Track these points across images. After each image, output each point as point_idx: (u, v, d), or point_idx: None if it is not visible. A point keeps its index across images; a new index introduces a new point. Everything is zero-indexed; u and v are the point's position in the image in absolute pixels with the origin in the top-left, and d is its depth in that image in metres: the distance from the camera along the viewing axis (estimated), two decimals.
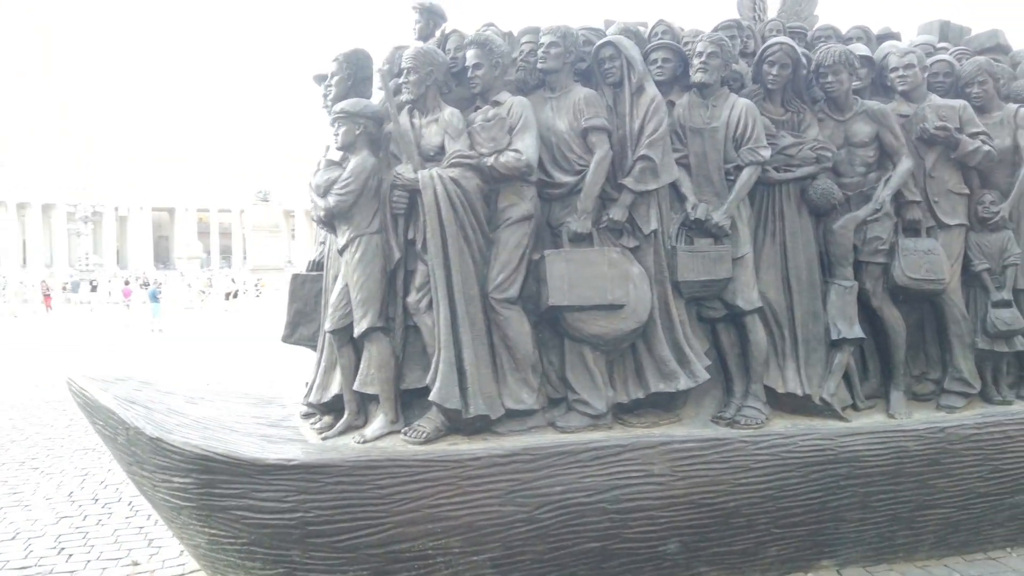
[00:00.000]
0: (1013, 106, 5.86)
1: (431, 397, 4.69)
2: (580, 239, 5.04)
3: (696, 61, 5.36)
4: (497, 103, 5.07)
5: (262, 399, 6.25)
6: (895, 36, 6.46)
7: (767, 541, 5.08)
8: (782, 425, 5.18)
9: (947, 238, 5.67)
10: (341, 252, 5.02)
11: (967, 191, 5.77)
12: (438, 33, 5.65)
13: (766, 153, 5.25)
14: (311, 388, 5.33)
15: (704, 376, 5.10)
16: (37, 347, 21.34)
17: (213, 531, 4.62)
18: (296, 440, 4.98)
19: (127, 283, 37.61)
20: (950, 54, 6.21)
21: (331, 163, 5.12)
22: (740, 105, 5.33)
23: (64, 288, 46.98)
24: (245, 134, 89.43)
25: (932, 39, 6.56)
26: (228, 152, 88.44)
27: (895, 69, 5.78)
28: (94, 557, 5.83)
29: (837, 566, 5.29)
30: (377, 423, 4.88)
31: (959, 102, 5.75)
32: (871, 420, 5.37)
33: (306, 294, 5.57)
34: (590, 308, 4.92)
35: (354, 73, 5.33)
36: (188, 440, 4.48)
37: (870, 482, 5.13)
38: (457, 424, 4.76)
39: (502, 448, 4.63)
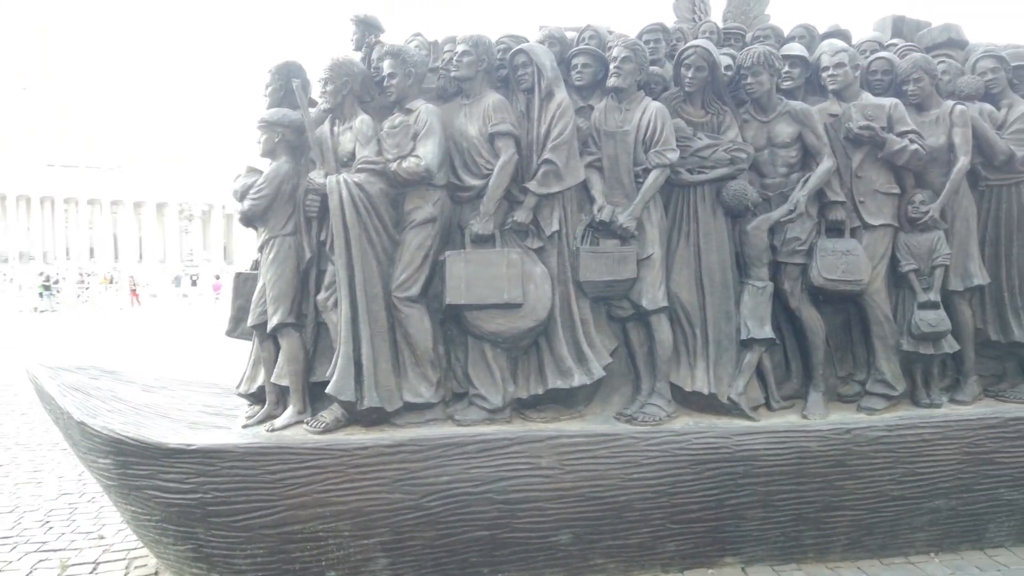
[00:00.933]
0: (949, 103, 5.73)
1: (328, 389, 4.99)
2: (482, 240, 5.25)
3: (611, 66, 5.48)
4: (409, 111, 5.32)
5: (226, 390, 6.68)
6: (844, 34, 6.39)
7: (664, 536, 5.18)
8: (682, 423, 5.27)
9: (871, 238, 5.62)
10: (260, 251, 5.39)
11: (897, 191, 5.69)
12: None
13: (673, 156, 5.33)
14: (242, 379, 5.71)
15: (600, 374, 5.23)
16: (120, 338, 22.75)
17: (132, 508, 5.06)
18: (221, 428, 5.36)
19: (217, 277, 39.38)
20: (898, 50, 6.12)
21: (251, 169, 5.48)
22: (652, 108, 5.43)
23: (174, 283, 49.65)
24: None
25: (881, 36, 6.47)
26: None
27: (826, 68, 5.75)
28: (71, 531, 6.37)
29: (742, 564, 5.34)
30: (286, 413, 5.22)
31: (890, 100, 5.68)
32: (782, 420, 5.38)
33: (248, 291, 5.89)
34: (487, 307, 5.12)
35: (286, 84, 5.65)
36: (107, 424, 4.91)
37: (771, 481, 5.17)
38: (355, 416, 5.04)
39: (390, 439, 4.89)
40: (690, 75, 5.50)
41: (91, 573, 5.55)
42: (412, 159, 5.11)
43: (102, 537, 6.20)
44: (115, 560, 5.73)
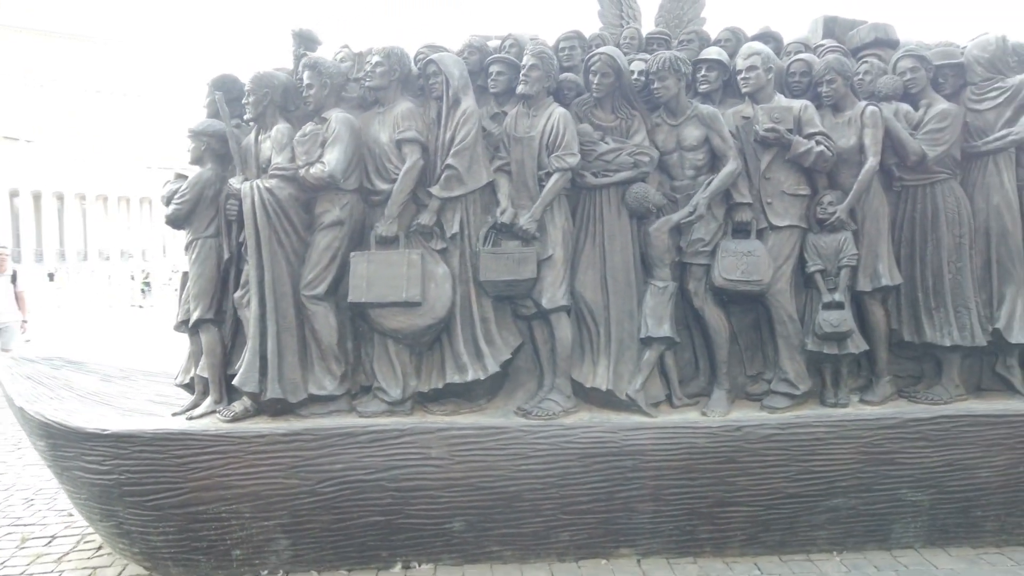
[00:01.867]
0: (862, 104, 5.73)
1: (234, 381, 5.37)
2: (387, 242, 5.53)
3: (520, 73, 5.70)
4: (324, 119, 5.64)
5: None
6: (774, 36, 6.42)
7: (557, 526, 5.37)
8: (576, 418, 5.44)
9: (776, 239, 5.68)
10: (185, 251, 5.80)
11: (806, 192, 5.73)
12: None
13: (572, 160, 5.51)
14: (179, 371, 6.13)
15: (494, 369, 5.46)
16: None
17: (67, 487, 5.55)
18: (154, 415, 5.77)
19: None
20: (821, 52, 6.13)
21: (179, 176, 5.90)
22: (556, 114, 5.62)
23: None
24: None
25: (810, 37, 6.47)
26: None
27: (739, 72, 5.83)
28: (48, 509, 6.93)
29: (637, 555, 5.49)
30: (205, 403, 5.62)
31: (800, 103, 5.72)
32: (677, 416, 5.50)
33: None
34: (388, 305, 5.41)
35: (223, 96, 6.04)
36: (40, 410, 5.39)
37: (660, 476, 5.30)
38: (261, 406, 5.39)
39: (287, 428, 5.23)
40: (596, 81, 5.65)
41: (46, 546, 6.07)
42: (318, 165, 5.43)
43: (71, 515, 6.72)
44: (70, 536, 6.25)
